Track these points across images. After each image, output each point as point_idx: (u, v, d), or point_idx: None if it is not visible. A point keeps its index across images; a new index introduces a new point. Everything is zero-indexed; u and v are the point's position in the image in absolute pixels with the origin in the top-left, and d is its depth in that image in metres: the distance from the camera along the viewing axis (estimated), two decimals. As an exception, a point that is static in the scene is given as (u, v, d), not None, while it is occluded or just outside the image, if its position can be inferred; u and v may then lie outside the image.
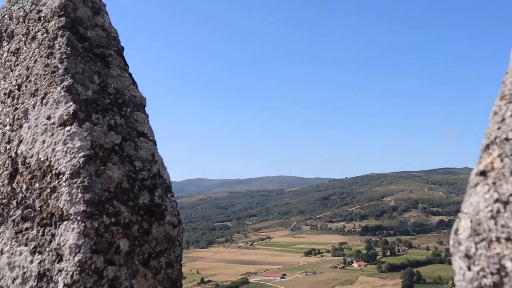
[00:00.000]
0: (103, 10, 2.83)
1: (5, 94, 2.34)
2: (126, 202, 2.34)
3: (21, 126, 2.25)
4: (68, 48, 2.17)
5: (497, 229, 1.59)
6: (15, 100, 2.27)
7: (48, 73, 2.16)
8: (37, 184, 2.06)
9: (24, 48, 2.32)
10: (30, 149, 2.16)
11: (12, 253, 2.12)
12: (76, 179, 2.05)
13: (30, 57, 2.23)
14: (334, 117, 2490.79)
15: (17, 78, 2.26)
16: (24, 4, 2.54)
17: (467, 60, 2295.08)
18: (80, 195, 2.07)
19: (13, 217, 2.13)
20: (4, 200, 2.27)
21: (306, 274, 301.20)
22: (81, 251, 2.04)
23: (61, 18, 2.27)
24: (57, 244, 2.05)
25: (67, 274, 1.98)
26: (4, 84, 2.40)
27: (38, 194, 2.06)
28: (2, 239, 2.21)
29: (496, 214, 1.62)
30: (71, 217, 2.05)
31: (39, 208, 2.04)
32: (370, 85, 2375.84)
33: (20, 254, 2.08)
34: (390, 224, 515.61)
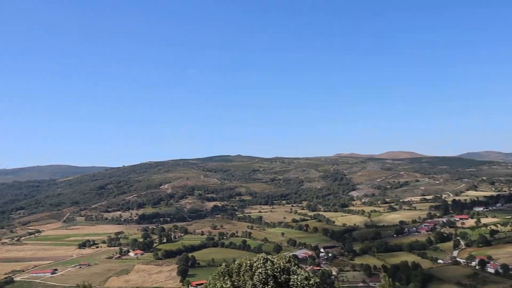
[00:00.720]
0: None
1: None
2: None
3: None
4: None
5: None
6: None
7: None
8: None
9: None
10: None
11: None
12: None
13: None
14: (110, 107, 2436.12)
15: None
16: None
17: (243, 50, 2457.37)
18: None
19: None
20: None
21: (80, 267, 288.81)
22: None
23: None
24: None
25: None
26: None
27: None
28: None
29: None
30: None
31: None
32: (140, 76, 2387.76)
33: None
34: (167, 211, 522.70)
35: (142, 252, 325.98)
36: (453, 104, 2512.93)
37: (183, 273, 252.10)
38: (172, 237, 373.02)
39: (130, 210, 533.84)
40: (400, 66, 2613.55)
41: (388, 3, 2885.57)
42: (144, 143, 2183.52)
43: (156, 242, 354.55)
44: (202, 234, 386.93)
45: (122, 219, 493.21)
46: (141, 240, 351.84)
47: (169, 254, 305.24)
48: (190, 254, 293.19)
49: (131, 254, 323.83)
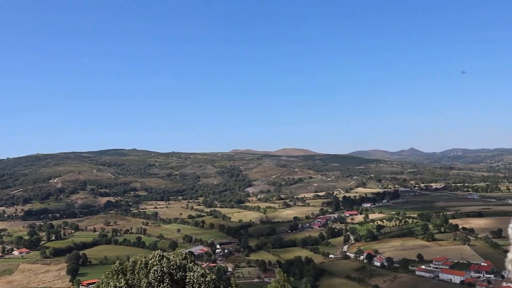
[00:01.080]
0: None
1: None
2: None
3: None
4: None
5: None
6: None
7: None
8: None
9: None
10: None
11: None
12: None
13: None
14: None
15: None
16: None
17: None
18: None
19: None
20: None
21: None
22: None
23: None
24: None
25: None
26: None
27: None
28: None
29: None
30: None
31: None
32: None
33: None
34: (56, 206, 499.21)
35: (28, 250, 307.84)
36: (343, 107, 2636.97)
37: (73, 272, 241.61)
38: (61, 234, 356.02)
39: (15, 206, 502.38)
40: (286, 73, 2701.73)
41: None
42: (32, 134, 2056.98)
43: (44, 240, 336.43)
44: (95, 230, 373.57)
45: (6, 215, 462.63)
46: (27, 237, 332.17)
47: (58, 252, 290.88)
48: (81, 252, 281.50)
49: (15, 253, 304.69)
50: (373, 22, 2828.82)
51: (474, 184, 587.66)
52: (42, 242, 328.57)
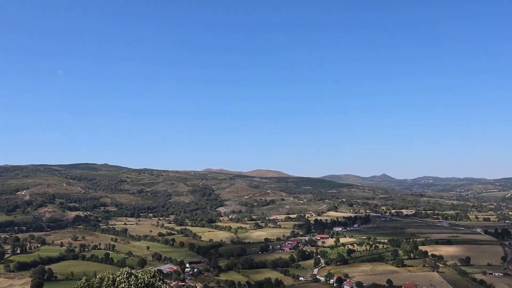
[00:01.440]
0: None
1: None
2: None
3: None
4: None
5: None
6: None
7: None
8: None
9: None
10: None
11: None
12: None
13: None
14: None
15: None
16: None
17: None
18: None
19: None
20: None
21: None
22: None
23: None
24: None
25: None
26: None
27: None
28: None
29: None
30: None
31: None
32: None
33: None
34: (23, 219, 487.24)
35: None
36: (318, 133, 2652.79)
37: (38, 287, 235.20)
38: (27, 247, 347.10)
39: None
40: (263, 98, 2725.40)
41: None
42: (1, 145, 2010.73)
43: (8, 253, 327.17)
44: (62, 245, 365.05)
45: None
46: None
47: (22, 266, 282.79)
48: (46, 267, 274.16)
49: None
50: (346, 51, 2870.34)
51: (444, 212, 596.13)
52: (7, 256, 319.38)
